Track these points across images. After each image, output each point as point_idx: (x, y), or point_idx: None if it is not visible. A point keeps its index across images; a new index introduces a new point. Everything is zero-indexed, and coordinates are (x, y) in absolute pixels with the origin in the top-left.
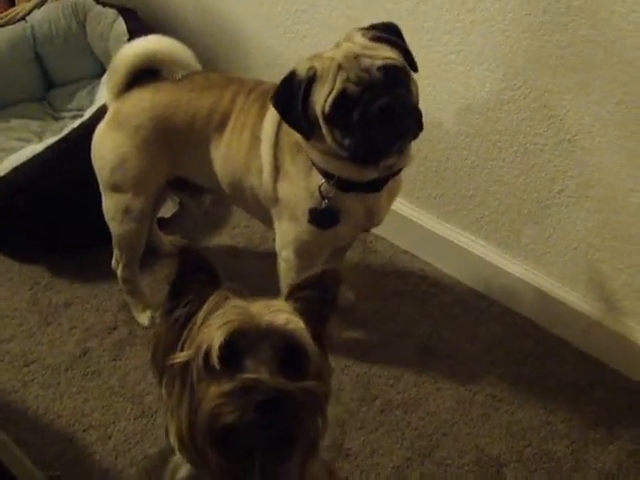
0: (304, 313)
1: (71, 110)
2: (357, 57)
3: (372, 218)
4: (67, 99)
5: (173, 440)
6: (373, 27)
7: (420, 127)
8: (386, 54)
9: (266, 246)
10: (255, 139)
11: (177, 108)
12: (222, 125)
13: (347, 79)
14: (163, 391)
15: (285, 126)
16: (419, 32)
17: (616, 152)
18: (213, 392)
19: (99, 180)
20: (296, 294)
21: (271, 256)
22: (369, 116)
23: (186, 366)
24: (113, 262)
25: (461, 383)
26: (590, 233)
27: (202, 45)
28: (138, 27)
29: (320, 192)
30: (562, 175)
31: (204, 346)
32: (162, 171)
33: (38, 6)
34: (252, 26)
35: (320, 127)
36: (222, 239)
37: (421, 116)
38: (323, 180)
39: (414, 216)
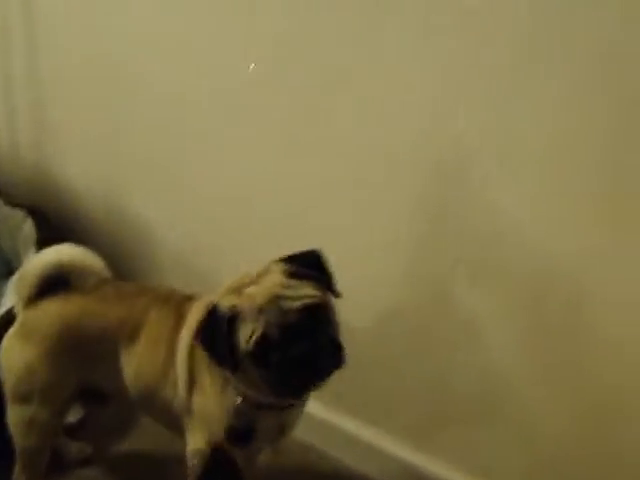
0: None
1: None
2: (277, 299)
3: (284, 431)
4: None
5: None
6: (292, 260)
7: (341, 361)
8: (306, 292)
9: (176, 449)
10: (171, 352)
11: (87, 319)
12: (134, 336)
13: (267, 322)
14: None
15: None
16: (323, 207)
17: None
18: None
19: (4, 390)
20: None
21: (181, 460)
22: (289, 360)
23: None
24: (15, 476)
25: None
26: None
27: (112, 248)
28: (47, 229)
29: (236, 410)
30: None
31: None
32: (71, 382)
33: None
34: (162, 230)
35: (245, 362)
36: (132, 443)
37: (342, 349)
38: (239, 398)
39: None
